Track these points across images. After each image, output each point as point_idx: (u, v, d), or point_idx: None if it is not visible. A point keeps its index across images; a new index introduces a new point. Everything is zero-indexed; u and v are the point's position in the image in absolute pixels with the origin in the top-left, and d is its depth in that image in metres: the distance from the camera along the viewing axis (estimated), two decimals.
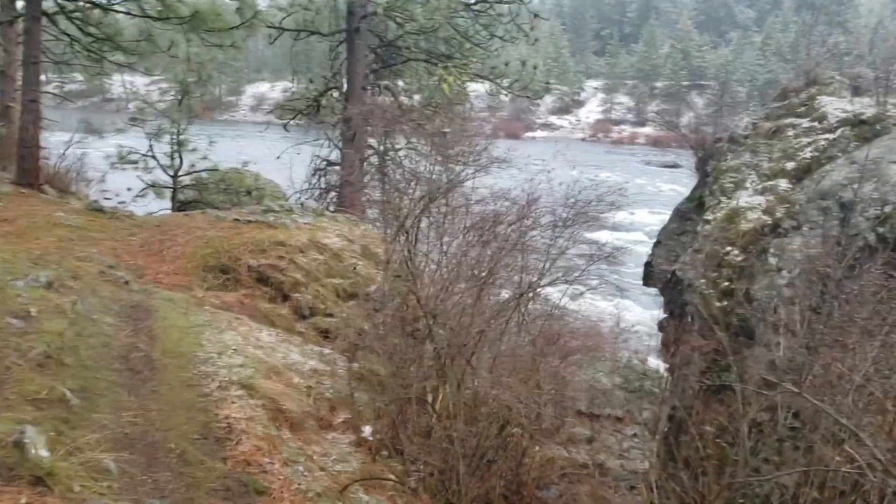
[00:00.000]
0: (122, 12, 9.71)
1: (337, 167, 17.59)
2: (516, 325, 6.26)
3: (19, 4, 13.40)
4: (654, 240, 9.36)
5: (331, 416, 6.36)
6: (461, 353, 6.28)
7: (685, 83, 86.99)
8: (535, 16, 16.53)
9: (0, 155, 15.39)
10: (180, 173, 14.18)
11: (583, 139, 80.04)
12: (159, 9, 9.46)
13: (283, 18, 15.82)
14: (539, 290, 6.32)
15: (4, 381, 4.57)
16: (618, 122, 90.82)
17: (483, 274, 6.34)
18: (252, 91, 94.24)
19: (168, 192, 14.28)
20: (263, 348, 6.69)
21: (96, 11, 10.43)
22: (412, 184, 7.10)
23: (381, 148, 11.84)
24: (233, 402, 5.40)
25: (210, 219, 9.67)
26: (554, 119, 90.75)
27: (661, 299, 9.51)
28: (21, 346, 5.07)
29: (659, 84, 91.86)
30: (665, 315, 8.50)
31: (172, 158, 14.14)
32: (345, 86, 16.61)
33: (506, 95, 19.42)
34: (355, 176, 16.30)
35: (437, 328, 6.70)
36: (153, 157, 14.12)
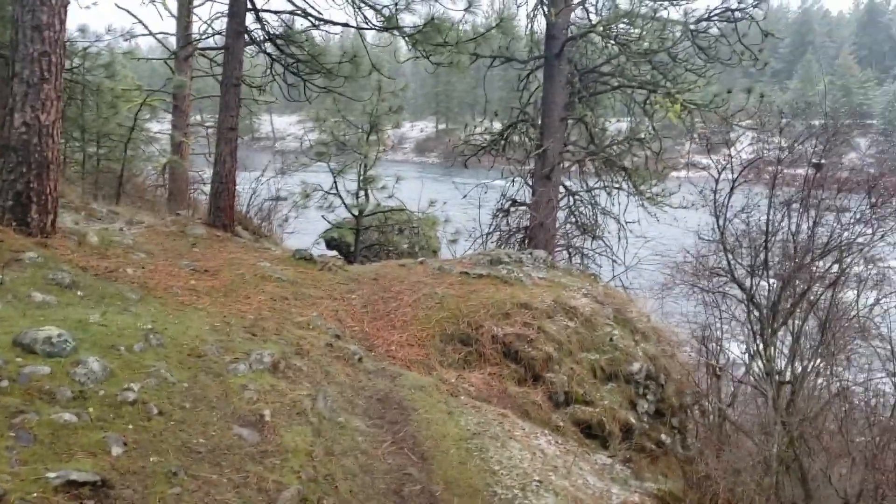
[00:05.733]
0: (340, 24, 8.32)
1: (523, 207, 15.77)
2: None
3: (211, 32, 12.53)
4: None
5: None
6: None
7: (846, 122, 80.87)
8: (767, 34, 14.11)
9: (171, 192, 14.15)
10: (366, 213, 12.73)
11: (733, 180, 75.18)
12: (381, 20, 7.94)
13: (476, 46, 14.23)
14: None
15: None
16: (771, 163, 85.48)
17: None
18: (390, 131, 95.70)
19: (351, 234, 12.85)
20: (556, 469, 4.72)
21: (300, 31, 9.12)
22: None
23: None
24: None
25: (431, 270, 7.93)
26: (699, 158, 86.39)
27: None
28: (266, 484, 3.34)
29: (815, 122, 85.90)
30: None
31: (357, 196, 12.73)
32: (538, 118, 14.81)
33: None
34: (550, 218, 14.41)
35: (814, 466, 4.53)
36: (338, 194, 12.77)
